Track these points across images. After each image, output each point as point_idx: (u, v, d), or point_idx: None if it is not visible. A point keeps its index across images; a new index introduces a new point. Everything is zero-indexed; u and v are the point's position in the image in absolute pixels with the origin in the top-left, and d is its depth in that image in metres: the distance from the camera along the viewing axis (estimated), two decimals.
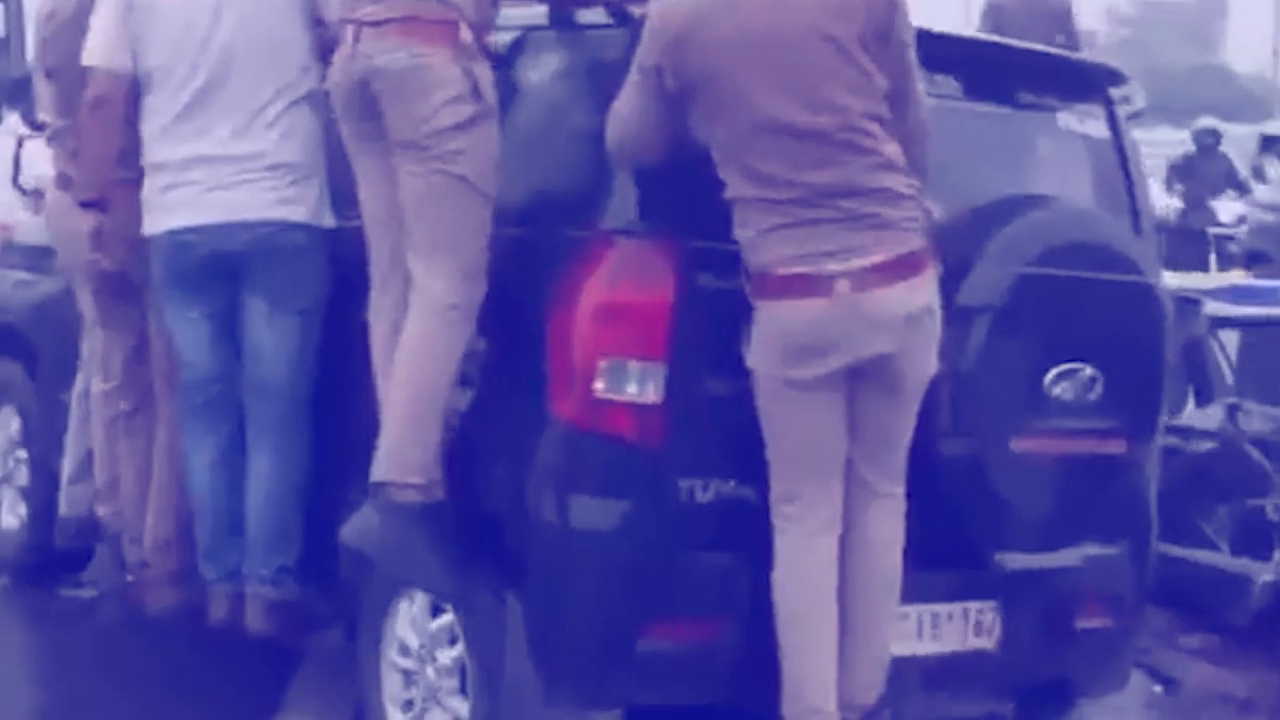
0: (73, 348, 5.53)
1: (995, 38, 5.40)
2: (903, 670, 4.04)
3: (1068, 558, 4.29)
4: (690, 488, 3.90)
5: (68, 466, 5.59)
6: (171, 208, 4.67)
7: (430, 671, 4.23)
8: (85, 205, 4.89)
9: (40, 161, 5.69)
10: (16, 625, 6.09)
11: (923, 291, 3.85)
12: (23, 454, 6.23)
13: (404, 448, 4.09)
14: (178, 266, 4.70)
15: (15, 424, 6.27)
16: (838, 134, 3.78)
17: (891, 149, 3.83)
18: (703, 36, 3.82)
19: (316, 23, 4.67)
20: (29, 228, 6.34)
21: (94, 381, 5.29)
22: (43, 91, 5.40)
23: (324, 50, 4.66)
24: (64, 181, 5.28)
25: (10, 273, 6.36)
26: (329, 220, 4.66)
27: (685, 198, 3.96)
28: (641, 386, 3.86)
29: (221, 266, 4.64)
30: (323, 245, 4.66)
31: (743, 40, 3.80)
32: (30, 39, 6.39)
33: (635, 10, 4.07)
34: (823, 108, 3.78)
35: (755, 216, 3.82)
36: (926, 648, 4.14)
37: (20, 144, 5.79)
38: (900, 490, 3.96)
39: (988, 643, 4.21)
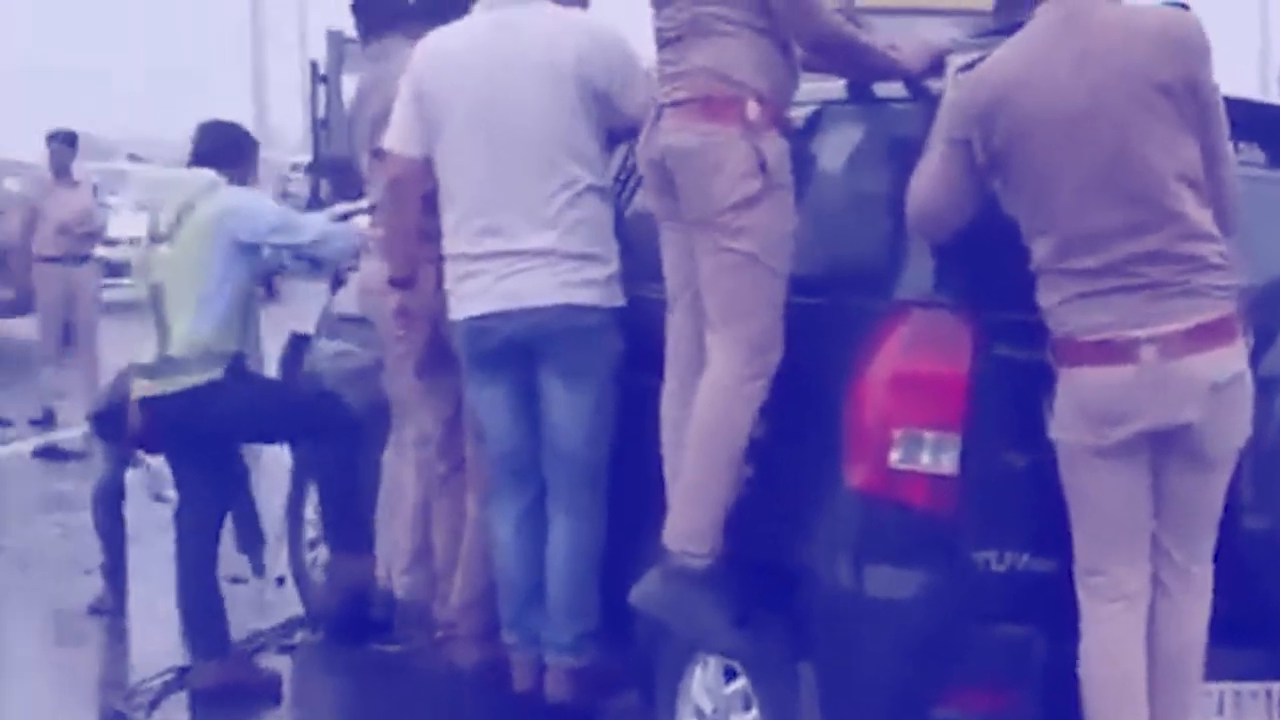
0: (386, 415, 5.75)
1: None
2: None
3: None
4: (985, 559, 3.89)
5: (382, 539, 5.79)
6: (469, 296, 4.85)
7: None
8: (391, 283, 5.11)
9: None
10: (327, 678, 6.32)
11: (1232, 359, 3.80)
12: None
13: (692, 515, 4.18)
14: (478, 349, 4.89)
15: None
16: (1149, 200, 3.76)
17: (1201, 214, 3.80)
18: (1012, 107, 3.83)
19: (611, 113, 4.79)
20: (348, 300, 6.62)
21: (406, 447, 5.48)
22: (368, 170, 5.65)
23: (616, 139, 4.83)
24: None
25: (330, 343, 6.64)
26: (619, 300, 4.79)
27: (983, 268, 3.97)
28: (937, 457, 3.88)
29: (517, 348, 4.80)
30: (614, 322, 4.79)
31: (1052, 109, 3.80)
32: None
33: (933, 85, 4.12)
34: (1134, 173, 3.76)
35: (1061, 285, 3.82)
36: None
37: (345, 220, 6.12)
38: (1206, 568, 3.90)
39: None
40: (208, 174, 5.81)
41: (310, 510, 6.64)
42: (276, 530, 6.92)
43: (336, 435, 5.91)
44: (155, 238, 5.78)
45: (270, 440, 6.14)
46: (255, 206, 5.84)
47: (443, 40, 4.97)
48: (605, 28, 4.88)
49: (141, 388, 5.77)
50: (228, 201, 5.73)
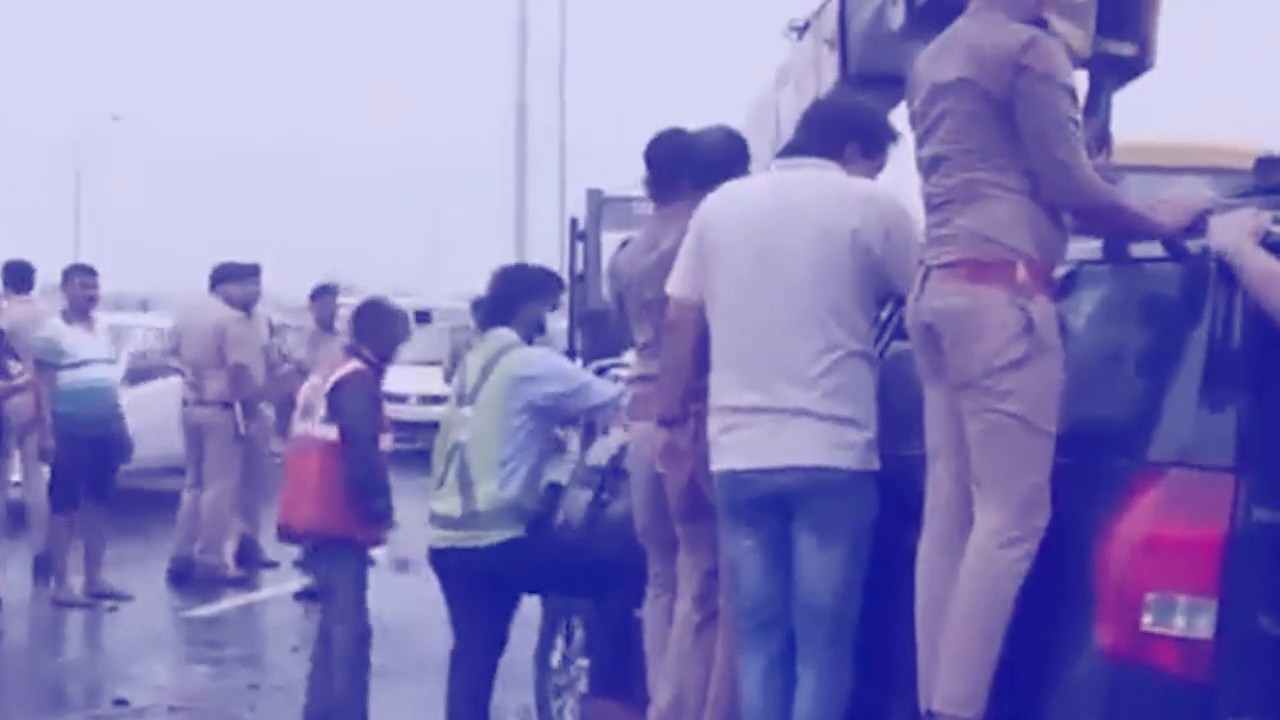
0: (641, 565, 5.82)
1: None
2: None
3: None
4: None
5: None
6: (730, 449, 4.91)
7: None
8: (660, 421, 5.20)
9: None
10: None
11: None
12: (584, 662, 6.55)
13: (961, 678, 4.16)
14: (735, 501, 4.95)
15: (580, 634, 6.60)
16: None
17: None
18: None
19: (883, 282, 4.81)
20: (602, 450, 6.73)
21: (669, 599, 5.55)
22: (636, 322, 5.77)
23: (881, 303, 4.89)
24: (636, 408, 5.63)
25: (584, 492, 6.74)
26: (874, 464, 4.80)
27: (1241, 428, 3.90)
28: (1191, 621, 3.81)
29: (773, 502, 4.85)
30: (869, 483, 4.79)
31: None
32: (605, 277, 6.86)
33: (1191, 245, 4.09)
34: None
35: None
36: None
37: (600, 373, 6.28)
38: None
39: None
40: (506, 335, 6.00)
41: (556, 658, 6.71)
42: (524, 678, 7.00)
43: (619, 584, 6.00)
44: (461, 399, 5.99)
45: (562, 593, 6.29)
46: (550, 371, 6.02)
47: (730, 191, 5.10)
48: (888, 198, 4.90)
49: (444, 538, 5.96)
50: (525, 368, 5.93)
